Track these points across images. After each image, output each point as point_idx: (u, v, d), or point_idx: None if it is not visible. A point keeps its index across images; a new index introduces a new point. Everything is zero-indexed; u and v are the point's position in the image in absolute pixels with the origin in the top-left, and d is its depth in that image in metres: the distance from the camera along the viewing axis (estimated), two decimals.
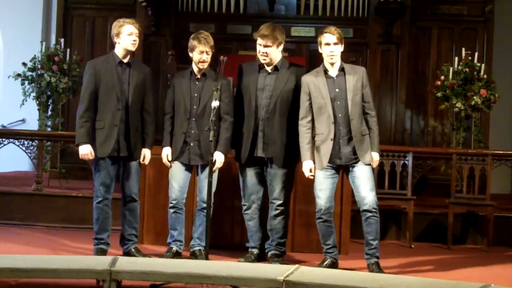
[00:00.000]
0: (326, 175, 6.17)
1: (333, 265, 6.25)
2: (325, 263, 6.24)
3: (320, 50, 6.24)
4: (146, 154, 6.46)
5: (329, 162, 6.12)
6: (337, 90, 6.13)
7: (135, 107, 6.33)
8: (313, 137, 6.23)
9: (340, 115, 6.09)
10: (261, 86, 6.36)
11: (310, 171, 6.18)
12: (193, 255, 6.49)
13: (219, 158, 6.28)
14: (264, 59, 6.35)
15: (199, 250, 6.46)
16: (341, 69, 6.19)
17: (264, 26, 6.43)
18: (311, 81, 6.19)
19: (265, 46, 6.30)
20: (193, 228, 6.57)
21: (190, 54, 6.48)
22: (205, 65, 6.43)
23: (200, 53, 6.38)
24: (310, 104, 6.18)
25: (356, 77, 6.13)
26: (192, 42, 6.43)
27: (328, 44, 6.12)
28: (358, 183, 6.13)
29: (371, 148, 6.16)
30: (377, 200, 6.17)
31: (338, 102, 6.11)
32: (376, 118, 6.26)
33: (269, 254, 6.49)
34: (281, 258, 6.46)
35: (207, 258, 5.79)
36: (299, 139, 6.21)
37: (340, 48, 6.16)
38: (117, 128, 6.25)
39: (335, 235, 6.33)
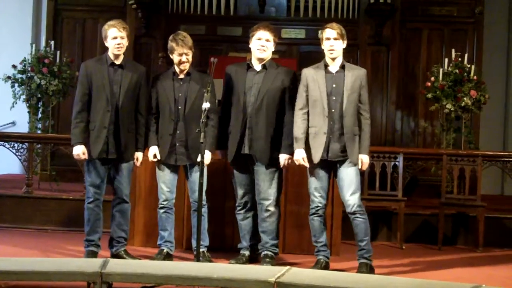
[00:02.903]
0: (320, 174, 6.18)
1: (326, 265, 6.27)
2: (320, 265, 6.24)
3: (322, 46, 6.27)
4: (138, 156, 6.46)
5: (323, 157, 6.12)
6: (334, 85, 6.14)
7: (127, 109, 6.31)
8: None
9: (333, 110, 6.10)
10: (249, 84, 6.38)
11: (304, 160, 6.16)
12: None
13: (206, 156, 6.26)
14: (262, 53, 6.36)
15: (203, 252, 6.42)
16: (342, 66, 6.21)
17: (262, 23, 6.53)
18: (310, 74, 6.22)
19: (267, 40, 6.35)
20: (192, 230, 6.54)
21: (170, 56, 6.49)
22: (186, 66, 6.43)
23: (179, 55, 6.38)
24: (307, 96, 6.19)
25: (355, 77, 6.15)
26: (170, 44, 6.45)
27: (328, 38, 6.17)
28: (342, 184, 6.16)
29: (360, 149, 6.15)
30: (360, 201, 6.14)
31: (334, 98, 6.12)
32: (370, 121, 6.24)
33: (262, 255, 6.48)
34: (274, 259, 6.45)
35: (198, 260, 5.78)
36: (293, 128, 6.20)
37: (340, 43, 6.18)
38: (106, 130, 6.24)
39: (326, 234, 6.35)
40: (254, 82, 6.37)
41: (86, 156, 6.26)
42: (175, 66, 6.48)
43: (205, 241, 6.48)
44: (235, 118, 6.38)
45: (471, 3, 11.03)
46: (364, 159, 6.17)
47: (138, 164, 6.49)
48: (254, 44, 6.40)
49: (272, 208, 6.39)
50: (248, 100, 6.35)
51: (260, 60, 6.41)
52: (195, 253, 6.39)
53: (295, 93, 6.35)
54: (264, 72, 6.41)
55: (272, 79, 6.36)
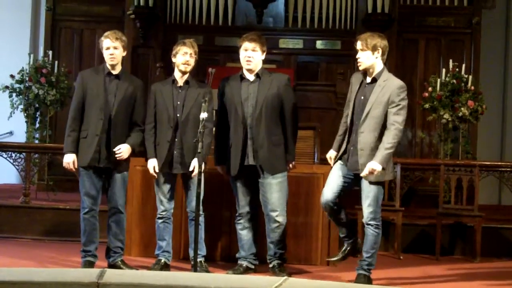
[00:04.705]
0: (339, 172, 6.13)
1: (354, 250, 6.38)
2: (343, 249, 6.36)
3: None
4: (122, 147, 6.28)
5: (343, 163, 6.12)
6: (362, 97, 6.04)
7: (120, 119, 6.29)
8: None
9: (357, 122, 6.03)
10: (245, 95, 6.37)
11: (330, 159, 6.22)
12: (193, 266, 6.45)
13: (194, 163, 6.26)
14: (249, 64, 6.37)
15: (200, 261, 6.42)
16: (374, 79, 6.04)
17: (249, 33, 6.51)
18: (354, 81, 6.18)
19: (253, 50, 6.34)
20: (189, 239, 6.53)
21: (173, 59, 6.48)
22: (188, 68, 6.43)
23: (184, 54, 6.39)
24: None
25: (385, 90, 5.94)
26: (177, 45, 6.46)
27: (357, 50, 6.07)
28: (361, 196, 6.10)
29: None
30: (375, 215, 6.01)
31: (359, 109, 6.03)
32: (394, 132, 5.85)
33: (273, 264, 6.49)
34: (284, 267, 6.50)
35: (195, 270, 5.78)
36: None
37: (368, 54, 5.97)
38: (97, 138, 6.23)
39: (346, 225, 6.29)
40: (249, 92, 6.37)
41: (76, 165, 6.29)
42: (176, 72, 6.49)
43: (202, 250, 6.48)
44: (234, 130, 6.37)
45: (468, 14, 11.09)
46: (371, 165, 5.85)
47: (120, 155, 6.29)
48: (241, 55, 6.42)
49: (280, 219, 6.40)
50: (246, 111, 6.34)
51: (250, 71, 6.42)
52: (192, 263, 6.41)
53: (292, 97, 6.41)
54: (258, 81, 6.41)
55: (267, 87, 6.36)
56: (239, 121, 6.33)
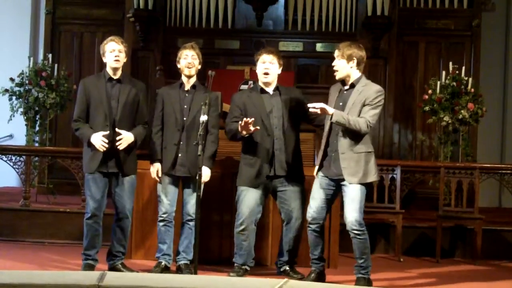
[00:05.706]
0: (321, 185, 6.16)
1: (319, 277, 6.26)
2: (310, 276, 6.28)
3: None
4: (124, 133, 6.23)
5: (324, 173, 6.15)
6: (340, 103, 6.09)
7: (125, 123, 6.28)
8: None
9: (336, 128, 6.05)
10: (269, 107, 6.39)
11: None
12: (179, 269, 6.46)
13: (205, 172, 6.29)
14: (266, 77, 6.40)
15: (185, 264, 6.44)
16: (351, 85, 6.11)
17: (266, 47, 6.68)
18: (332, 91, 6.24)
19: (270, 62, 6.39)
20: (178, 242, 6.55)
21: (178, 65, 6.53)
22: (192, 71, 6.45)
23: (186, 57, 6.45)
24: None
25: (363, 94, 6.00)
26: (179, 51, 6.53)
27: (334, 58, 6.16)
28: (344, 202, 6.10)
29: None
30: (360, 220, 5.99)
31: None
32: (363, 121, 5.92)
33: (283, 268, 6.53)
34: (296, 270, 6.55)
35: (196, 273, 5.77)
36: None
37: (342, 63, 6.06)
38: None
39: (322, 247, 6.32)
40: (273, 105, 6.40)
41: (105, 136, 6.15)
42: (182, 77, 6.53)
43: (189, 255, 6.46)
44: (261, 141, 6.32)
45: (468, 16, 11.06)
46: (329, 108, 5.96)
47: (119, 143, 6.27)
48: (259, 68, 6.45)
49: (301, 227, 6.44)
50: (272, 122, 6.35)
51: (267, 84, 6.44)
52: (177, 265, 6.48)
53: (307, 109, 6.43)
54: (279, 93, 6.46)
55: (289, 99, 6.42)
56: (264, 132, 6.33)
